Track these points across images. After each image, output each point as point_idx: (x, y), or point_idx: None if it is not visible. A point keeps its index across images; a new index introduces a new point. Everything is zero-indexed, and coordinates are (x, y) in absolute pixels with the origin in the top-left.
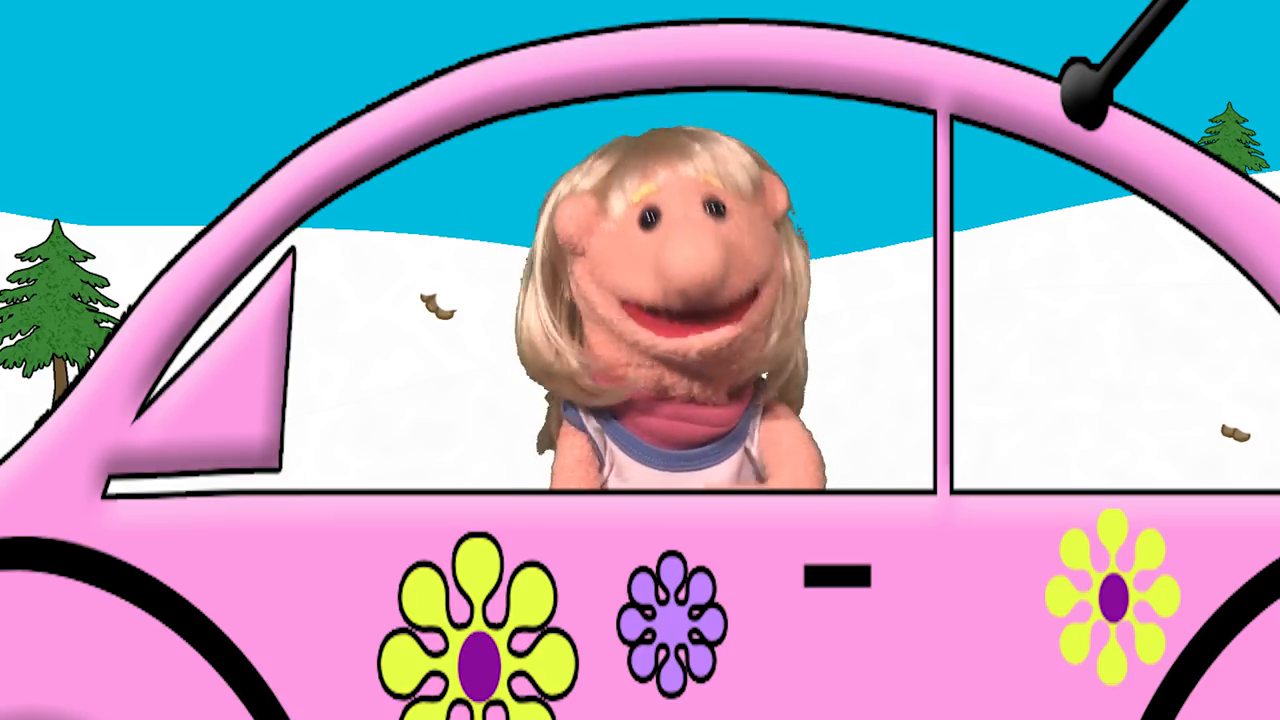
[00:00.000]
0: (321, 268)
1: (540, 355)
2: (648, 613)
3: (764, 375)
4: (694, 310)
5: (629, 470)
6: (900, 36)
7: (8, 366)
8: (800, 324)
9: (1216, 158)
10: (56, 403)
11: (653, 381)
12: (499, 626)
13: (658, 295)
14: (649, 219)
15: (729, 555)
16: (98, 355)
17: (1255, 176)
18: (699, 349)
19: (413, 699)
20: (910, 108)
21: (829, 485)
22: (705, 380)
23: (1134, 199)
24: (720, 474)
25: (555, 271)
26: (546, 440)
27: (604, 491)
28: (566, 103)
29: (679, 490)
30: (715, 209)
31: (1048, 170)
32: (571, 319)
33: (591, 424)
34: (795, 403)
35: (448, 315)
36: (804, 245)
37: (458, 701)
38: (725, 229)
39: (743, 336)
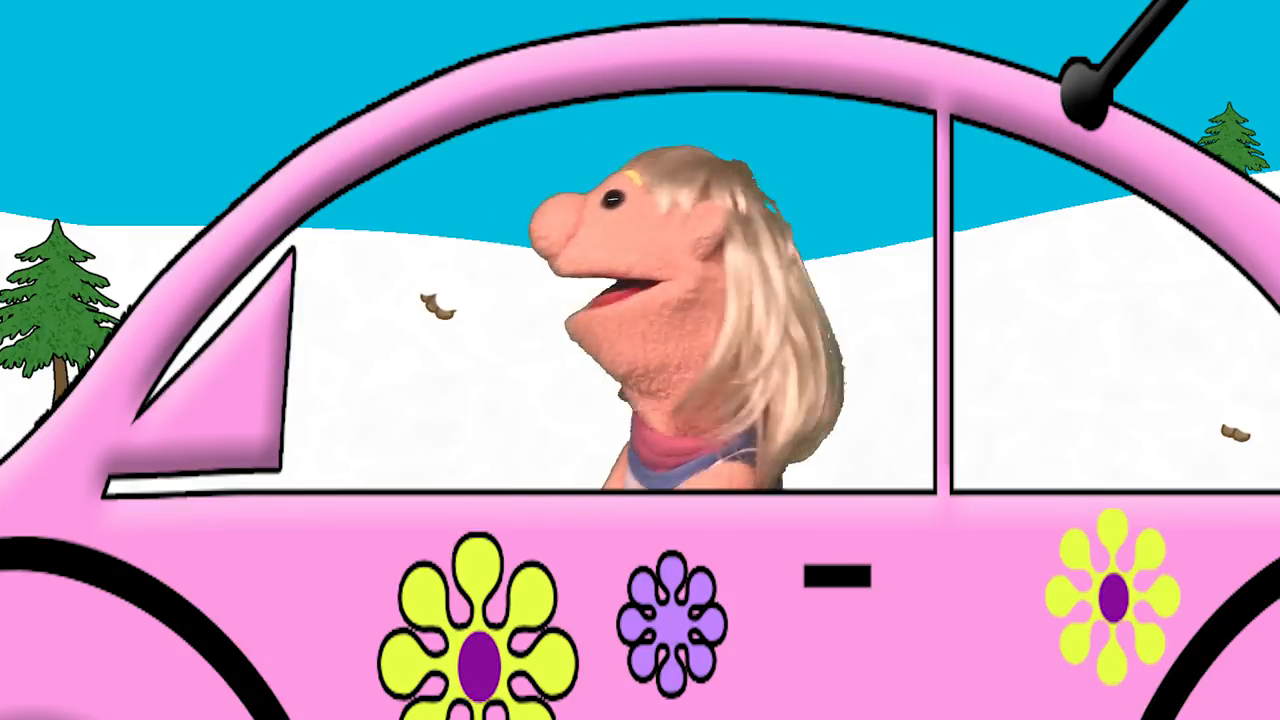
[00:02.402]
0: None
1: None
2: (648, 613)
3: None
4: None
5: (626, 471)
6: (900, 36)
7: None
8: (737, 362)
9: (1216, 158)
10: (56, 403)
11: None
12: (499, 626)
13: None
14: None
15: (729, 555)
16: (98, 355)
17: (1255, 176)
18: (567, 326)
19: (413, 699)
20: (910, 108)
21: (821, 486)
22: (647, 401)
23: (1134, 199)
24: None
25: None
26: None
27: (604, 491)
28: (566, 103)
29: (679, 490)
30: (611, 200)
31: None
32: None
33: None
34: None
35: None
36: (777, 304)
37: (458, 701)
38: (599, 212)
39: (597, 320)
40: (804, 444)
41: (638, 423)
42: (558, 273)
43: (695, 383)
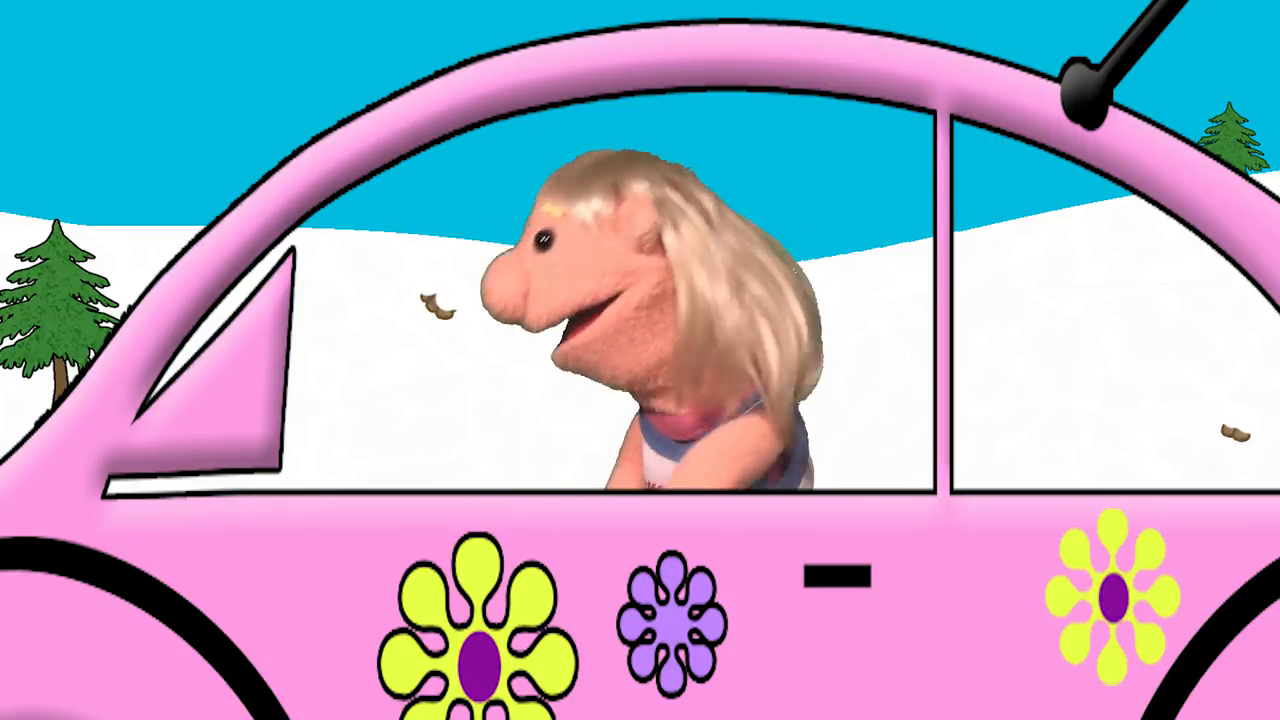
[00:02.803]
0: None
1: None
2: (648, 613)
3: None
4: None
5: (645, 450)
6: (900, 36)
7: (8, 366)
8: (698, 332)
9: (1216, 158)
10: (56, 403)
11: None
12: (499, 626)
13: None
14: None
15: (729, 555)
16: (98, 355)
17: (1255, 176)
18: (554, 360)
19: (413, 699)
20: (910, 108)
21: (821, 486)
22: (658, 399)
23: (1134, 199)
24: None
25: None
26: None
27: (604, 491)
28: (566, 103)
29: (679, 490)
30: (542, 242)
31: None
32: None
33: None
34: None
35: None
36: (716, 267)
37: (458, 701)
38: (539, 259)
39: (582, 349)
40: (804, 374)
41: (655, 414)
42: (532, 331)
43: (675, 370)
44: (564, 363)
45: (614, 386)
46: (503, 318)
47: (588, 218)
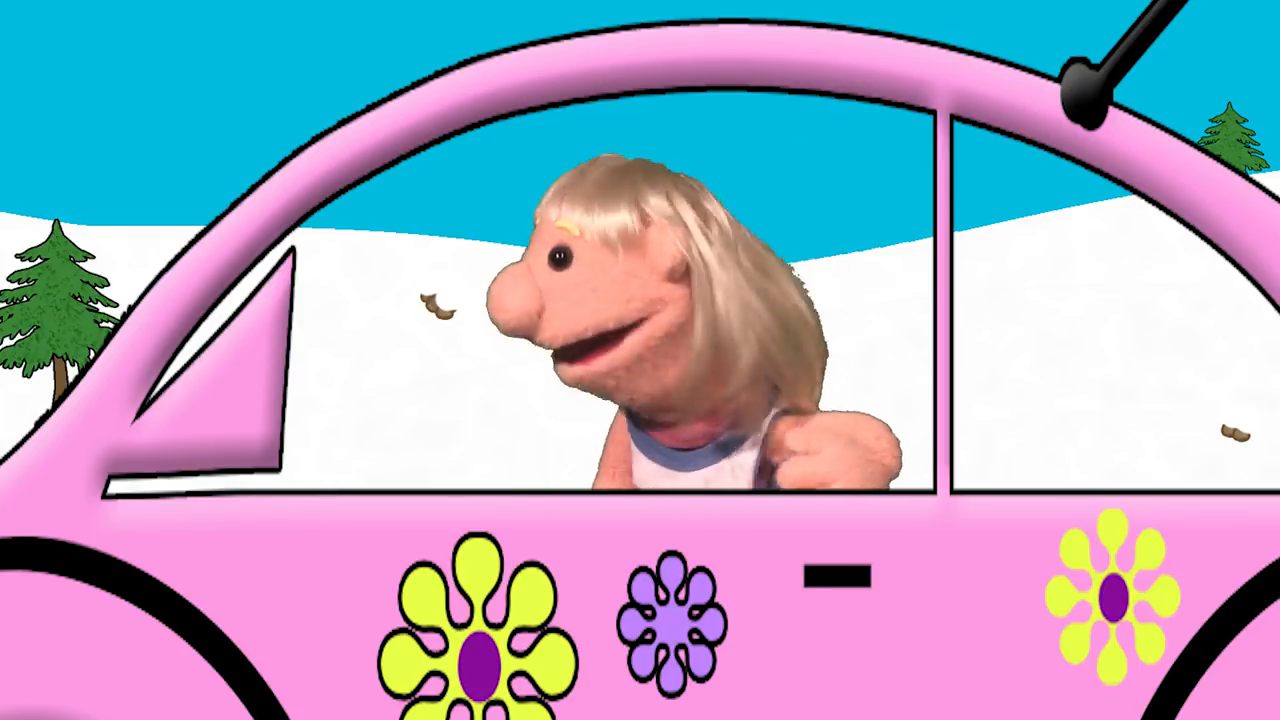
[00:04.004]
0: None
1: None
2: (648, 613)
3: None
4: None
5: (636, 460)
6: (900, 36)
7: (8, 366)
8: (722, 355)
9: (1216, 158)
10: (56, 403)
11: None
12: (499, 626)
13: None
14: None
15: (729, 555)
16: (98, 355)
17: (1255, 176)
18: (565, 378)
19: (413, 699)
20: (910, 108)
21: None
22: (669, 415)
23: (1134, 199)
24: (713, 475)
25: None
26: None
27: (604, 492)
28: (566, 103)
29: (679, 490)
30: (558, 259)
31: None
32: None
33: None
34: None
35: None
36: (735, 290)
37: (458, 701)
38: (556, 277)
39: (603, 374)
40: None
41: (659, 428)
42: (546, 347)
43: (692, 391)
44: (578, 383)
45: (628, 406)
46: (513, 334)
47: (611, 238)
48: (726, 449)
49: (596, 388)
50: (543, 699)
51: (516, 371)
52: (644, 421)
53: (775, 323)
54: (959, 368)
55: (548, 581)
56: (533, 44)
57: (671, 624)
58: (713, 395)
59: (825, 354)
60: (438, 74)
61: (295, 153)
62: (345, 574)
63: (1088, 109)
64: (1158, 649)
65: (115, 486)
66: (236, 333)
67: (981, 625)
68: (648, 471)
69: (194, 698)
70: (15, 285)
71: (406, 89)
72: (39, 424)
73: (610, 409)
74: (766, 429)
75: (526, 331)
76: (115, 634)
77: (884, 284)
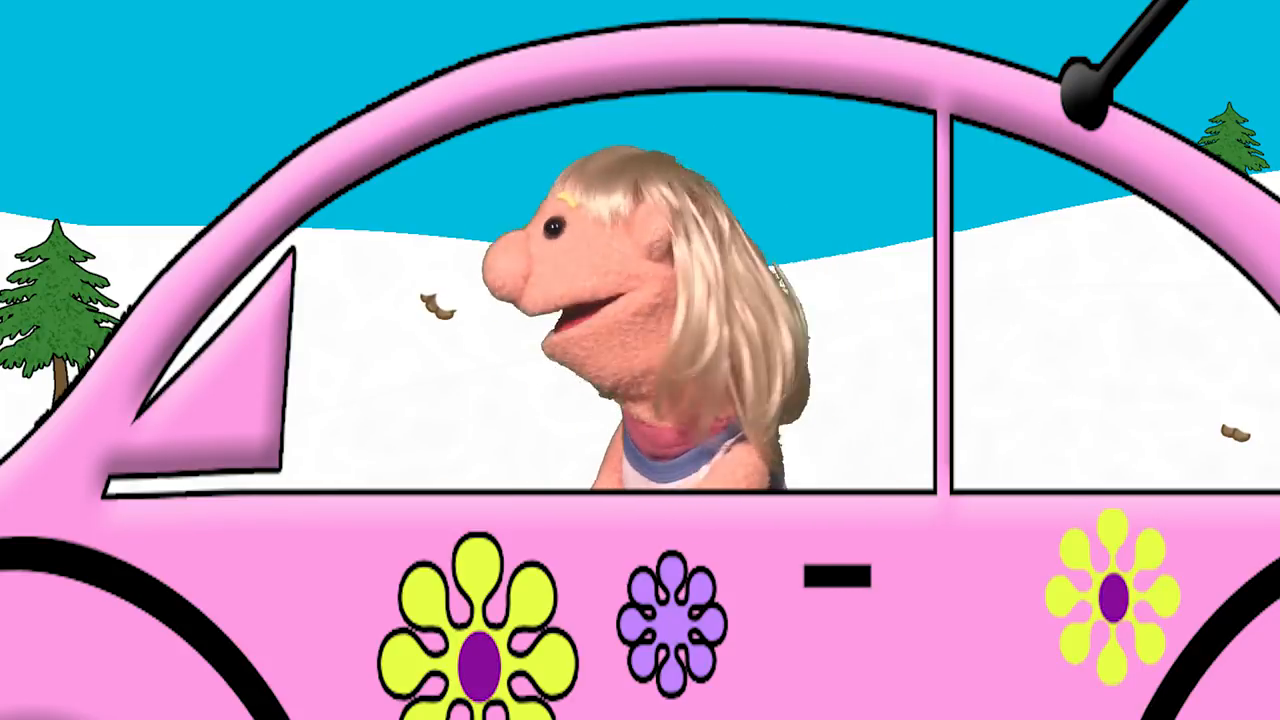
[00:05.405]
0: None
1: None
2: (648, 613)
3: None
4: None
5: (624, 465)
6: (900, 36)
7: (8, 366)
8: (687, 348)
9: (1216, 158)
10: (56, 403)
11: None
12: (499, 626)
13: None
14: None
15: (729, 555)
16: (98, 355)
17: (1255, 176)
18: (544, 348)
19: (413, 699)
20: (910, 108)
21: (821, 486)
22: (638, 405)
23: (1134, 199)
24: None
25: None
26: None
27: (604, 492)
28: (566, 103)
29: (679, 490)
30: (552, 229)
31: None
32: None
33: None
34: (784, 415)
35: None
36: (717, 287)
37: (458, 701)
38: (547, 245)
39: (572, 341)
40: (788, 408)
41: (633, 421)
42: (527, 313)
43: (658, 382)
44: (551, 352)
45: (597, 385)
46: (498, 295)
47: (603, 213)
48: (697, 463)
49: (568, 358)
50: (543, 699)
51: (516, 371)
52: (625, 415)
53: (755, 333)
54: (959, 368)
55: (548, 581)
56: (533, 44)
57: (671, 624)
58: (677, 392)
59: (805, 388)
60: (438, 74)
61: (295, 153)
62: (345, 574)
63: (1088, 109)
64: (1158, 649)
65: (115, 486)
66: (236, 333)
67: (982, 625)
68: (627, 474)
69: (194, 698)
70: (15, 285)
71: (406, 89)
72: (39, 424)
73: (613, 409)
74: (720, 451)
75: (512, 294)
76: (115, 634)
77: (884, 284)
